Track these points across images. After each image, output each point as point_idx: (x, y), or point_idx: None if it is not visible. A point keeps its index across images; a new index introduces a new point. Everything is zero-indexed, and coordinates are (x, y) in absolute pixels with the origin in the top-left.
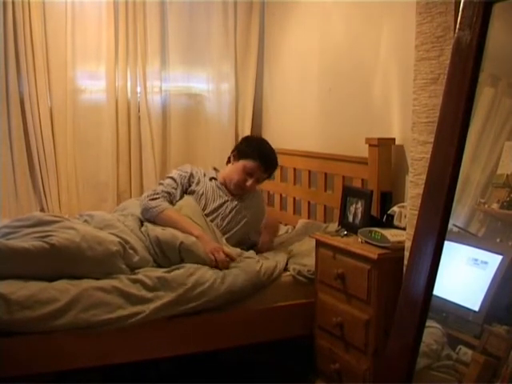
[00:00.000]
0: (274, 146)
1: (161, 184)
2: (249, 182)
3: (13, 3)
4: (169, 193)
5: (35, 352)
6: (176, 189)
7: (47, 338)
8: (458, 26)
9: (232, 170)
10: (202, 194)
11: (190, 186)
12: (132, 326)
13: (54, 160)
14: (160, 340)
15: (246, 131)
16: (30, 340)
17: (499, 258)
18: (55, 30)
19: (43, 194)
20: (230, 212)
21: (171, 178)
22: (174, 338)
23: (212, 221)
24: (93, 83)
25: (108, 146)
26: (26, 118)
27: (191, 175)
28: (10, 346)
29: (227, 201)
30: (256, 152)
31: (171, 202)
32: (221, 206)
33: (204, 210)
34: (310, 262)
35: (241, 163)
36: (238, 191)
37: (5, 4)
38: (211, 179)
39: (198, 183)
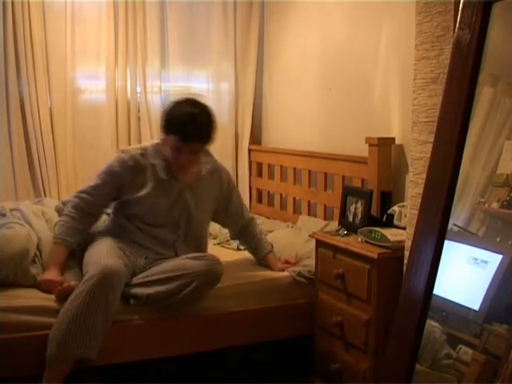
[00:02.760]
0: (273, 146)
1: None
2: (183, 159)
3: (12, 3)
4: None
5: (35, 352)
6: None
7: (47, 338)
8: (457, 26)
9: (165, 149)
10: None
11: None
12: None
13: (53, 160)
14: (160, 340)
15: (245, 131)
16: (30, 340)
17: (499, 257)
18: (55, 30)
19: (43, 194)
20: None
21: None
22: (173, 339)
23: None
24: (93, 83)
25: (108, 145)
26: (25, 118)
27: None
28: (10, 346)
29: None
30: (173, 124)
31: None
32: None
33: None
34: (310, 262)
35: (166, 140)
36: (180, 172)
37: (4, 4)
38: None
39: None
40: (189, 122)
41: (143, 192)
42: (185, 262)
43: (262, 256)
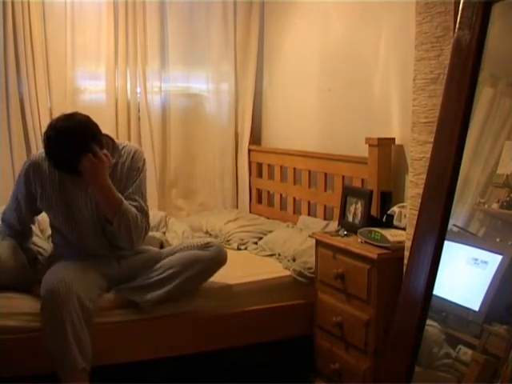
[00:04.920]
0: (273, 146)
1: None
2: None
3: (12, 3)
4: None
5: (35, 352)
6: None
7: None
8: (457, 26)
9: None
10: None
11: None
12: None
13: None
14: (160, 340)
15: (245, 131)
16: (29, 340)
17: (499, 257)
18: (55, 31)
19: None
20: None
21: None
22: (174, 339)
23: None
24: (92, 83)
25: None
26: (25, 118)
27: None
28: (10, 346)
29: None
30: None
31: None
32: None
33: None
34: (310, 259)
35: None
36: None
37: (4, 4)
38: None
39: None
40: (48, 153)
41: (39, 198)
42: (195, 252)
43: None
